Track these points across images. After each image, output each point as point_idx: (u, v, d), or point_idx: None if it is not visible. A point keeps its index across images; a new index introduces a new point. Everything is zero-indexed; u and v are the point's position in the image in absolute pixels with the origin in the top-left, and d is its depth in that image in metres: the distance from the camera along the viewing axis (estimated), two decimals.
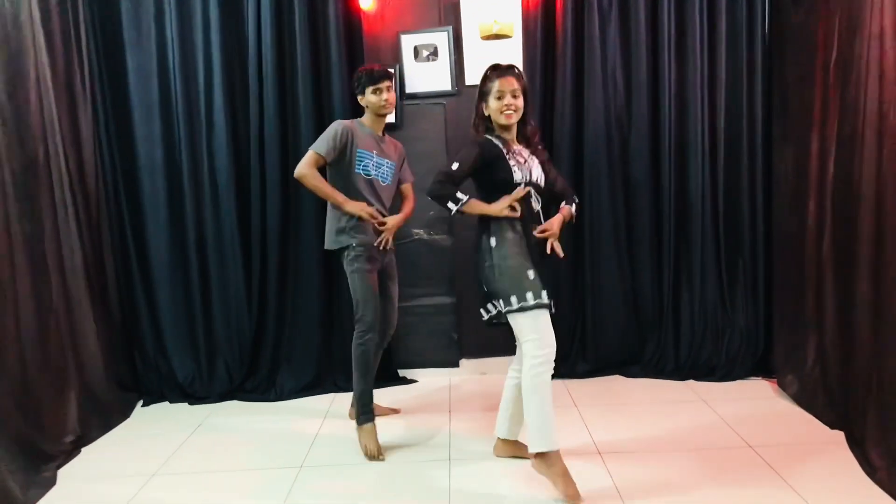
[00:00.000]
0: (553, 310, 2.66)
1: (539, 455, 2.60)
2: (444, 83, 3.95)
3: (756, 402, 3.51)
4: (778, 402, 3.49)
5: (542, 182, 2.81)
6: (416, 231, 4.03)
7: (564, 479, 2.56)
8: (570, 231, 3.86)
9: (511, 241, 2.67)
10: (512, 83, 2.71)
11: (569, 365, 3.93)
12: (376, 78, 3.18)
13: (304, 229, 3.83)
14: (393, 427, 3.40)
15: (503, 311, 2.65)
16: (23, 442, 2.91)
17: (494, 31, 3.78)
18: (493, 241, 2.69)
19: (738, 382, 3.79)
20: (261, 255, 3.87)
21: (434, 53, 3.93)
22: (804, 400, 3.36)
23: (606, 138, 3.86)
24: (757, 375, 3.84)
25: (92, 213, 3.75)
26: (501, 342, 3.93)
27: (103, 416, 3.54)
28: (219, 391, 3.90)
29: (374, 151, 3.22)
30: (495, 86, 2.72)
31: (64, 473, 3.02)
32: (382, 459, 3.03)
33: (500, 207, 2.67)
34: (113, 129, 3.85)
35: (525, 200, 2.72)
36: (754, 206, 3.86)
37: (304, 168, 3.09)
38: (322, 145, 3.10)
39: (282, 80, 3.79)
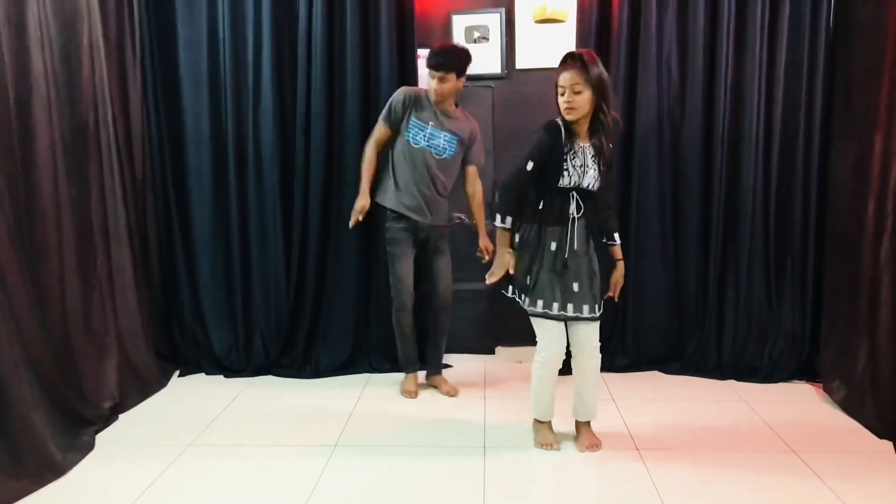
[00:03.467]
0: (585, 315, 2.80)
1: (534, 419, 2.99)
2: (494, 66, 3.90)
3: (800, 405, 3.42)
4: (823, 407, 3.40)
5: (593, 187, 2.76)
6: (458, 215, 3.96)
7: (541, 436, 2.95)
8: None
9: (529, 243, 2.79)
10: (572, 77, 2.63)
11: (607, 358, 3.80)
12: (432, 64, 3.23)
13: (346, 208, 3.78)
14: (427, 410, 3.39)
15: (518, 301, 2.84)
16: (63, 405, 2.94)
17: (548, 14, 3.71)
18: (521, 237, 2.82)
19: (781, 385, 3.69)
20: (301, 231, 3.85)
21: (485, 35, 3.87)
22: (851, 407, 3.26)
23: (658, 129, 3.77)
24: (800, 379, 3.75)
25: (137, 182, 3.77)
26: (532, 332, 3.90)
27: (141, 384, 3.57)
28: (255, 365, 3.90)
29: (431, 123, 3.27)
30: (559, 80, 2.67)
31: (102, 439, 3.04)
32: (414, 397, 3.50)
33: (503, 266, 2.79)
34: (161, 99, 3.86)
35: (564, 202, 2.74)
36: (807, 205, 3.75)
37: (367, 144, 3.36)
38: (382, 113, 3.37)
39: (330, 57, 3.76)
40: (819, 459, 2.81)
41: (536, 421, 3.00)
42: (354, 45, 3.73)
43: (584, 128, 2.74)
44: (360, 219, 3.42)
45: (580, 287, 2.77)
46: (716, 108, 3.71)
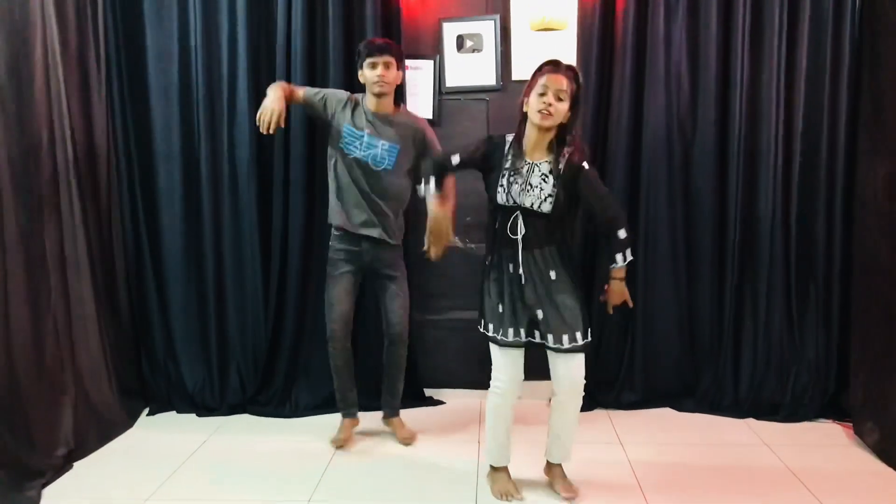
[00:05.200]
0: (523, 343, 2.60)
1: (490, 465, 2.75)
2: (488, 77, 3.62)
3: (828, 449, 3.12)
4: (854, 451, 3.09)
5: (539, 208, 2.48)
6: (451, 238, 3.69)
7: (498, 484, 2.70)
8: None
9: (492, 266, 2.63)
10: (560, 82, 2.42)
11: (614, 394, 3.57)
12: (374, 49, 2.97)
13: (329, 230, 3.51)
14: (416, 452, 3.11)
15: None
16: (6, 456, 2.64)
17: (546, 22, 3.44)
18: (487, 260, 2.68)
19: (805, 425, 3.40)
20: (281, 255, 3.57)
21: (478, 44, 3.60)
22: (886, 452, 2.95)
23: (667, 144, 3.51)
24: (827, 417, 3.44)
25: (102, 205, 3.49)
26: (538, 364, 3.59)
27: (102, 426, 3.26)
28: (230, 402, 3.61)
29: (367, 130, 3.01)
30: (542, 80, 2.44)
31: (49, 493, 2.73)
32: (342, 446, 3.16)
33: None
34: (128, 114, 3.59)
35: (506, 225, 2.53)
36: (831, 227, 3.46)
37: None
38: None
39: (312, 67, 3.50)
40: None
41: (492, 467, 2.74)
42: (337, 55, 3.47)
43: (543, 143, 2.52)
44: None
45: (545, 314, 2.53)
46: (730, 121, 3.45)
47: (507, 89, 3.62)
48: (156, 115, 3.60)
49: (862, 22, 3.34)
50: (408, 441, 3.22)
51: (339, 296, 3.12)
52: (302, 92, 3.08)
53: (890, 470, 2.88)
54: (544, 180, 2.48)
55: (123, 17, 3.53)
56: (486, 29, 3.58)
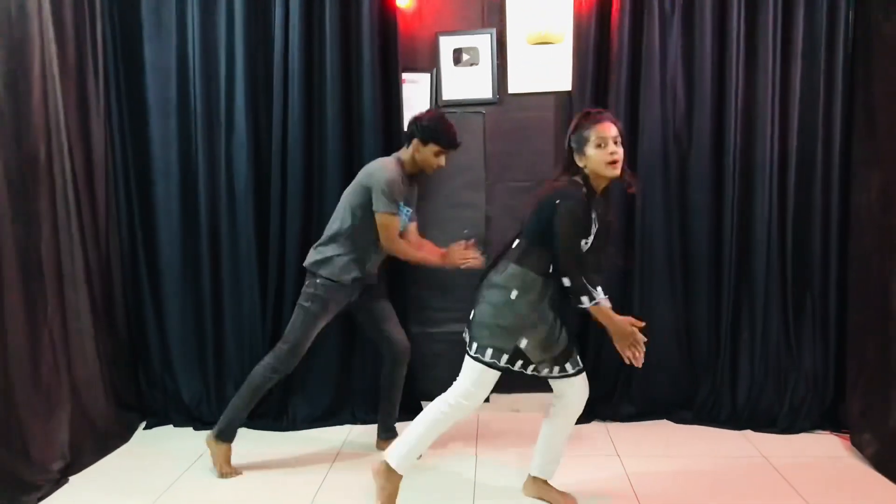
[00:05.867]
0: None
1: (388, 467, 2.54)
2: (484, 90, 3.64)
3: (825, 461, 3.09)
4: (852, 463, 3.07)
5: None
6: (465, 231, 3.70)
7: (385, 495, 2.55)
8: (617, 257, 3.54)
9: (534, 301, 2.48)
10: (611, 129, 2.41)
11: (612, 406, 3.55)
12: (453, 144, 3.00)
13: None
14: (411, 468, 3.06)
15: (468, 346, 2.55)
16: (2, 470, 2.64)
17: (543, 36, 3.46)
18: (514, 294, 2.46)
19: (803, 436, 3.37)
20: (278, 271, 3.56)
21: (474, 58, 3.62)
22: (884, 464, 2.93)
23: (663, 157, 3.50)
24: (824, 429, 3.42)
25: (99, 218, 3.49)
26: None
27: (98, 439, 3.25)
28: None
29: (409, 203, 3.12)
30: (593, 133, 2.40)
31: None
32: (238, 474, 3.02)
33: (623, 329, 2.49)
34: (126, 128, 3.60)
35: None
36: (827, 238, 3.45)
37: (396, 243, 2.98)
38: (391, 204, 2.93)
39: (309, 82, 3.51)
40: None
41: (390, 470, 2.54)
42: (334, 70, 3.48)
43: (603, 186, 2.51)
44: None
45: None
46: (725, 133, 3.43)
47: (504, 102, 3.64)
48: (154, 129, 3.61)
49: (855, 36, 3.34)
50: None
51: (311, 331, 3.03)
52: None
53: (888, 482, 2.85)
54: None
55: (122, 31, 3.55)
56: (482, 43, 3.60)
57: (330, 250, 3.03)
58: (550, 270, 2.45)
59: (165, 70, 3.57)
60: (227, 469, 3.01)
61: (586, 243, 2.44)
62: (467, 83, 3.64)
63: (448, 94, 3.65)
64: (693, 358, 3.61)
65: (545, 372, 2.57)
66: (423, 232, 3.33)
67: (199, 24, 3.50)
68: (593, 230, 2.46)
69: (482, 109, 3.67)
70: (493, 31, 3.60)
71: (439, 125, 2.97)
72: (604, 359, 3.58)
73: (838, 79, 3.37)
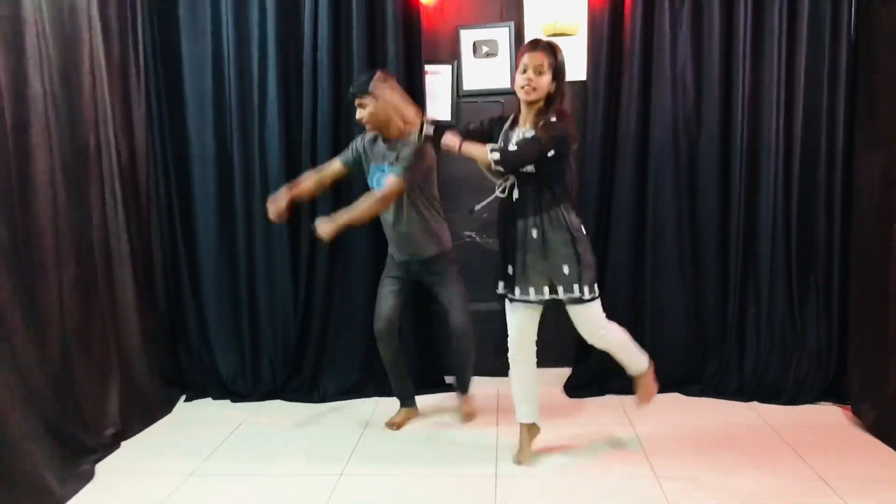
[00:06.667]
0: (509, 298, 2.83)
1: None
2: (503, 81, 3.81)
3: (828, 430, 3.27)
4: (852, 431, 3.24)
5: (526, 169, 2.66)
6: (468, 234, 3.89)
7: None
8: (630, 239, 3.72)
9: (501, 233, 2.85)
10: (537, 58, 2.61)
11: (625, 380, 3.71)
12: (350, 93, 3.10)
13: (354, 231, 3.71)
14: (436, 436, 3.29)
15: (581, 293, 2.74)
16: (62, 434, 2.86)
17: (558, 28, 3.63)
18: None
19: (807, 407, 3.53)
20: (309, 254, 3.77)
21: (493, 50, 3.79)
22: (883, 431, 3.10)
23: (673, 142, 3.66)
24: (827, 400, 3.58)
25: (142, 203, 3.72)
26: (553, 353, 3.78)
27: (144, 409, 3.49)
28: (262, 390, 3.82)
29: (384, 162, 3.15)
30: (523, 59, 2.63)
31: (102, 468, 2.96)
32: (395, 429, 3.35)
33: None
34: (166, 119, 3.81)
35: (506, 188, 2.74)
36: (831, 218, 3.61)
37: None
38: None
39: (337, 73, 3.70)
40: (848, 486, 2.66)
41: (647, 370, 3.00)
42: (361, 62, 3.66)
43: (531, 116, 2.70)
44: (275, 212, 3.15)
45: (514, 270, 2.76)
46: (733, 120, 3.60)
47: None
48: (191, 120, 3.82)
49: (858, 26, 3.48)
50: (466, 418, 3.45)
51: (384, 295, 3.29)
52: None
53: (885, 446, 3.03)
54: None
55: (161, 30, 3.76)
56: (501, 35, 3.78)
57: None
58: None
59: (202, 64, 3.77)
60: (394, 420, 3.40)
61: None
62: (487, 74, 3.81)
63: (468, 84, 3.83)
64: (702, 334, 3.78)
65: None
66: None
67: (233, 21, 3.70)
68: (499, 142, 2.71)
69: (501, 99, 3.84)
70: (512, 24, 3.77)
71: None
72: None
73: (841, 67, 3.51)
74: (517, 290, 2.75)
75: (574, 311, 2.76)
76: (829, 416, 3.42)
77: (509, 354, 2.93)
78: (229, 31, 3.71)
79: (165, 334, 3.90)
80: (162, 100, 3.80)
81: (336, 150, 3.69)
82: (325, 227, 2.94)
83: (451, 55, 3.83)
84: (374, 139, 3.19)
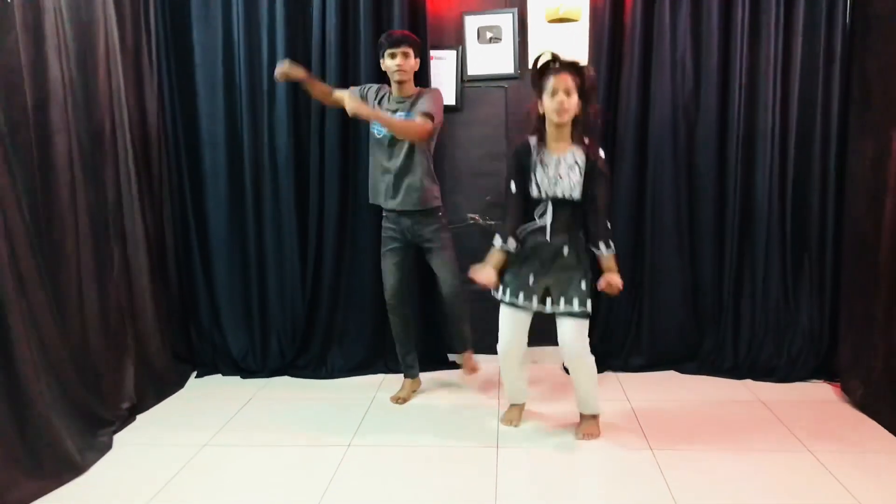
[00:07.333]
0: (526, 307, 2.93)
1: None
2: (506, 66, 3.89)
3: (818, 406, 3.38)
4: (841, 407, 3.36)
5: (570, 196, 2.80)
6: (471, 216, 3.99)
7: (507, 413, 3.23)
8: (630, 222, 3.81)
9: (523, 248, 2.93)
10: (566, 80, 2.70)
11: (623, 358, 3.85)
12: (393, 41, 3.24)
13: (361, 210, 3.82)
14: (440, 411, 3.40)
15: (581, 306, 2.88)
16: (81, 406, 2.99)
17: (561, 13, 3.70)
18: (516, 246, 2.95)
19: (799, 384, 3.64)
20: (317, 234, 3.88)
21: (497, 35, 3.87)
22: (870, 407, 3.22)
23: (672, 126, 3.74)
24: (819, 378, 3.69)
25: (154, 186, 3.82)
26: (553, 332, 3.88)
27: (158, 385, 3.62)
28: (271, 367, 3.94)
29: (389, 111, 3.28)
30: (549, 83, 2.72)
31: (119, 439, 3.09)
32: (399, 403, 3.49)
33: (487, 277, 2.84)
34: (178, 104, 3.89)
35: (538, 211, 2.85)
36: (824, 202, 3.70)
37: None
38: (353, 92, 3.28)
39: (344, 59, 3.78)
40: (836, 458, 2.78)
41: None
42: (368, 48, 3.74)
43: (563, 137, 2.80)
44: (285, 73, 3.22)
45: (554, 284, 2.87)
46: (730, 105, 3.68)
47: (525, 77, 3.87)
48: (202, 105, 3.90)
49: (853, 12, 3.55)
50: (469, 372, 3.61)
51: (388, 269, 3.43)
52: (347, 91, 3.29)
53: (872, 421, 3.14)
54: (571, 170, 2.78)
55: (173, 16, 3.83)
56: (504, 21, 3.85)
57: None
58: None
59: (212, 50, 3.85)
60: (400, 394, 3.55)
61: (533, 186, 2.81)
62: (491, 59, 3.89)
63: (473, 69, 3.91)
64: (698, 313, 3.88)
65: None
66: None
67: (243, 8, 3.77)
68: (535, 176, 2.79)
69: (504, 84, 3.92)
70: (515, 10, 3.83)
71: (380, 38, 3.32)
72: (615, 314, 3.87)
73: (836, 54, 3.59)
74: (561, 301, 2.87)
75: (577, 326, 2.87)
76: (820, 393, 3.54)
77: (570, 364, 3.01)
78: (239, 17, 3.78)
79: (178, 313, 4.02)
80: (174, 84, 3.88)
81: (343, 135, 3.81)
82: (353, 103, 3.01)
83: (456, 41, 3.89)
84: (378, 91, 3.36)
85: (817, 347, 3.72)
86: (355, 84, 3.60)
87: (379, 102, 3.35)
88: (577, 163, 2.79)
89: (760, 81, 3.65)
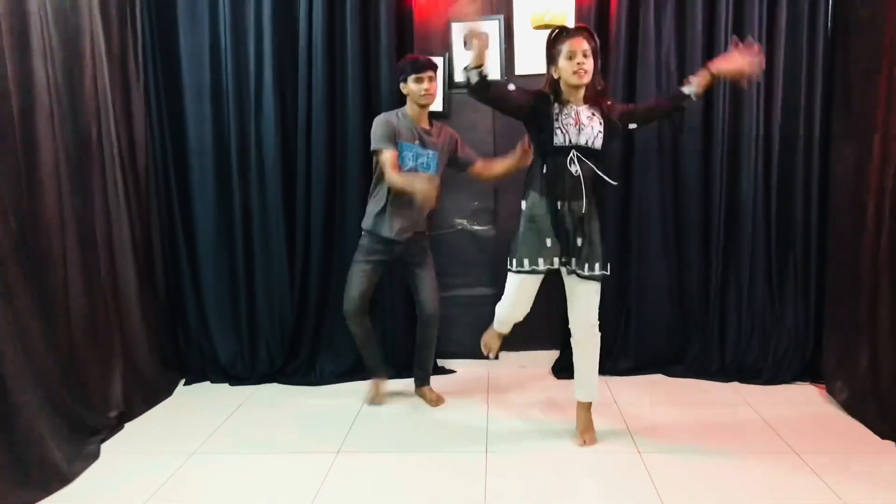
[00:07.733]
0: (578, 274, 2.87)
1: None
2: (493, 73, 3.88)
3: (803, 407, 3.41)
4: (826, 408, 3.39)
5: (592, 144, 2.80)
6: (459, 221, 4.00)
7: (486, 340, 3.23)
8: (616, 224, 3.84)
9: (532, 206, 2.86)
10: (582, 43, 2.73)
11: (611, 362, 3.87)
12: (420, 67, 3.22)
13: (348, 215, 3.83)
14: (430, 416, 3.41)
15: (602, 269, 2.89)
16: (68, 415, 2.97)
17: (547, 20, 3.73)
18: (523, 205, 2.91)
19: (785, 386, 3.68)
20: (304, 240, 3.88)
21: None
22: (854, 408, 3.25)
23: (657, 130, 3.77)
24: (804, 380, 3.73)
25: (141, 192, 3.80)
26: (542, 336, 3.91)
27: (146, 392, 3.60)
28: (260, 373, 3.93)
29: (416, 142, 3.26)
30: (566, 46, 2.74)
31: (107, 448, 3.07)
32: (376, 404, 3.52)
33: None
34: (164, 110, 3.88)
35: (562, 163, 2.79)
36: (808, 205, 3.74)
37: (393, 175, 3.14)
38: (384, 142, 3.19)
39: (331, 66, 3.79)
40: (821, 460, 2.80)
41: (493, 329, 3.17)
42: (355, 54, 3.75)
43: (579, 95, 2.82)
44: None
45: (582, 244, 2.85)
46: (715, 109, 3.70)
47: (511, 83, 3.89)
48: (189, 111, 3.89)
49: (835, 18, 3.60)
50: (435, 403, 3.54)
51: (357, 279, 3.39)
52: (391, 154, 3.19)
53: (856, 422, 3.17)
54: (591, 120, 2.80)
55: (159, 22, 3.83)
56: (491, 28, 3.86)
57: (369, 204, 3.38)
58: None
59: (199, 57, 3.85)
60: (371, 395, 3.59)
61: (558, 133, 2.78)
62: None
63: (460, 76, 3.92)
64: (685, 316, 3.91)
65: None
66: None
67: (230, 14, 3.77)
68: (559, 122, 2.78)
69: None
70: (501, 17, 3.86)
71: (403, 61, 3.32)
72: (602, 317, 3.87)
73: (819, 59, 3.63)
74: (585, 266, 2.85)
75: (594, 292, 2.91)
76: (805, 395, 3.57)
77: (580, 336, 3.00)
78: (226, 23, 3.78)
79: (165, 320, 4.00)
80: (160, 91, 3.87)
81: (332, 140, 3.82)
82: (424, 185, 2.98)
83: (443, 47, 3.91)
84: (399, 119, 3.30)
85: (803, 349, 3.76)
86: (377, 110, 3.56)
87: (399, 123, 3.28)
88: (594, 115, 2.82)
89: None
